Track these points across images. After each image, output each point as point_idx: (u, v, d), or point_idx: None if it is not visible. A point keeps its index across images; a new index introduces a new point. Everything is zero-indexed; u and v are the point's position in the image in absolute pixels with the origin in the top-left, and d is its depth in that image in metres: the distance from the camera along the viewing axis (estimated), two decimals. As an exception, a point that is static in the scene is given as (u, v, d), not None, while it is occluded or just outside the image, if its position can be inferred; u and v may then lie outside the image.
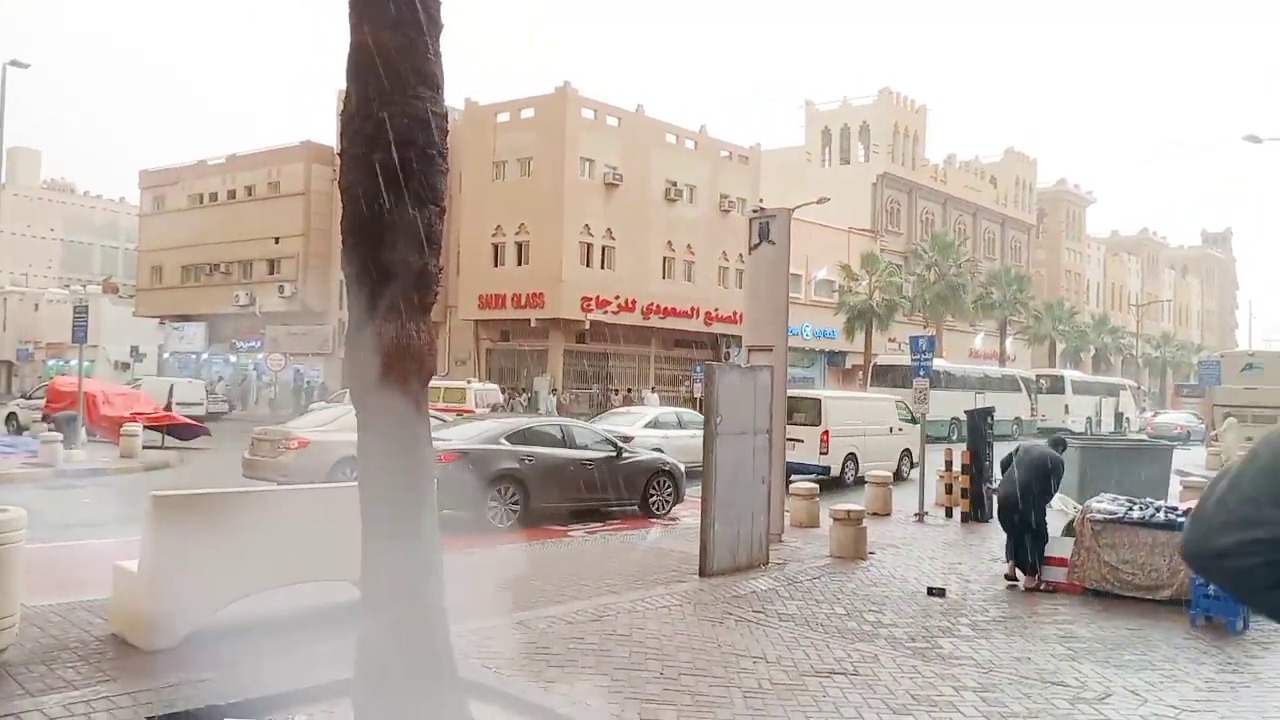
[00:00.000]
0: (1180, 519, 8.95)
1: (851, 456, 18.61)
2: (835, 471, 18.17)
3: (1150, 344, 74.07)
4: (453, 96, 39.61)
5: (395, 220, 4.63)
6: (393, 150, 4.61)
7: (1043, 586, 9.37)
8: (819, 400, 19.18)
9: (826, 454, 18.08)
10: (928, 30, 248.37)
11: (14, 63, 24.87)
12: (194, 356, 49.53)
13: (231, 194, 47.16)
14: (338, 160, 4.99)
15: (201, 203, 48.42)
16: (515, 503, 12.30)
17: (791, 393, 22.95)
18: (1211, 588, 8.00)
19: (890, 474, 15.31)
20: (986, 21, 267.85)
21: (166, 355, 50.85)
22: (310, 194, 43.65)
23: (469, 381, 28.41)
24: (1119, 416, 45.64)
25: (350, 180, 4.80)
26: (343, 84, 5.16)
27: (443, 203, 4.90)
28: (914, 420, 18.60)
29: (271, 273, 44.95)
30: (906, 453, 19.72)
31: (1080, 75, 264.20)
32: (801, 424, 18.86)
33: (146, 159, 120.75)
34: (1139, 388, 58.59)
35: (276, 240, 44.22)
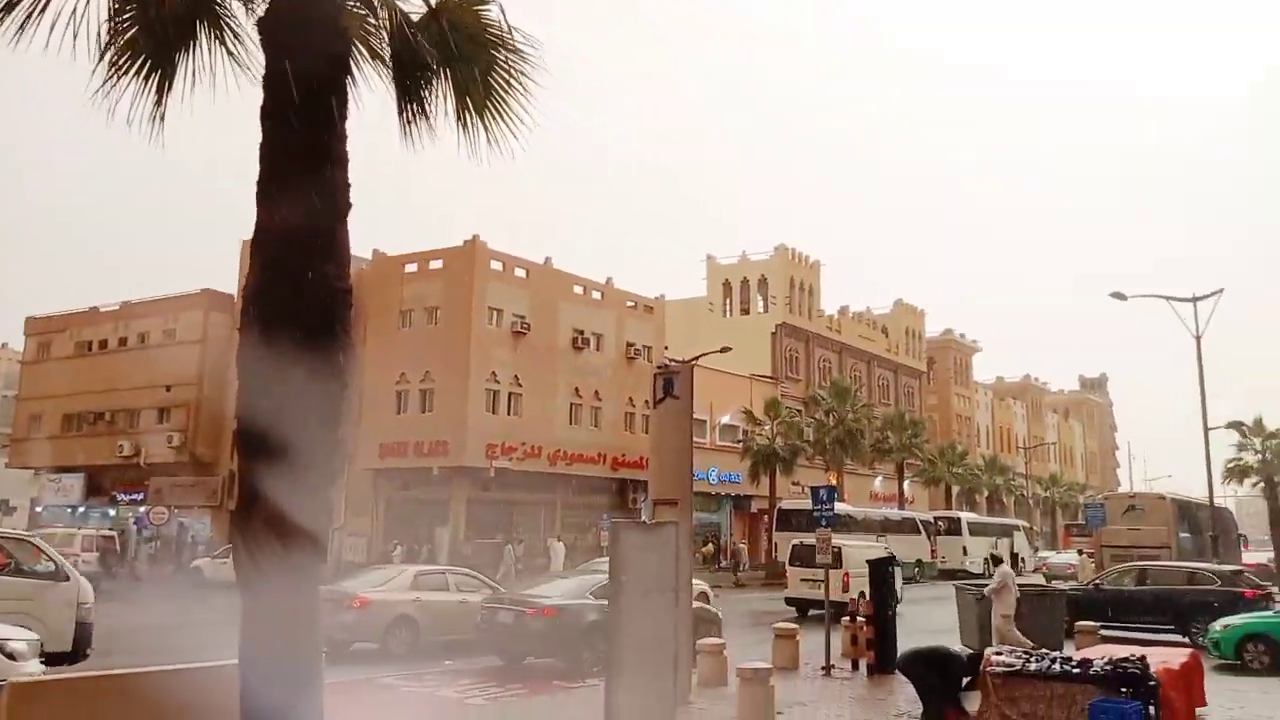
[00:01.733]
0: (1075, 670, 9.15)
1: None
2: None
3: (1040, 485, 76.96)
4: (362, 247, 38.80)
5: (296, 396, 4.62)
6: (296, 327, 4.65)
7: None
8: (840, 549, 21.78)
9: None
10: (819, 189, 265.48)
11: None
12: (69, 510, 46.56)
13: (123, 341, 45.69)
14: (238, 335, 4.98)
15: (90, 350, 46.71)
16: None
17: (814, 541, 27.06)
18: (1109, 740, 8.12)
19: (795, 627, 15.25)
20: (870, 180, 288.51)
21: (39, 509, 47.68)
22: (207, 342, 42.66)
23: (79, 528, 33.65)
24: (1015, 557, 46.76)
25: (250, 357, 4.79)
26: (247, 234, 5.22)
27: (345, 378, 4.92)
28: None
29: (160, 422, 43.20)
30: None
31: (959, 234, 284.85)
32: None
33: (35, 305, 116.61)
34: (1031, 528, 60.41)
35: (168, 389, 42.73)
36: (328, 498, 4.81)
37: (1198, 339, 27.78)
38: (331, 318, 4.75)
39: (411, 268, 38.03)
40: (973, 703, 9.74)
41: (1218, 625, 16.23)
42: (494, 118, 6.36)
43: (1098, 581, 21.42)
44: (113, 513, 45.12)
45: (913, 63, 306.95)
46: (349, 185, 5.08)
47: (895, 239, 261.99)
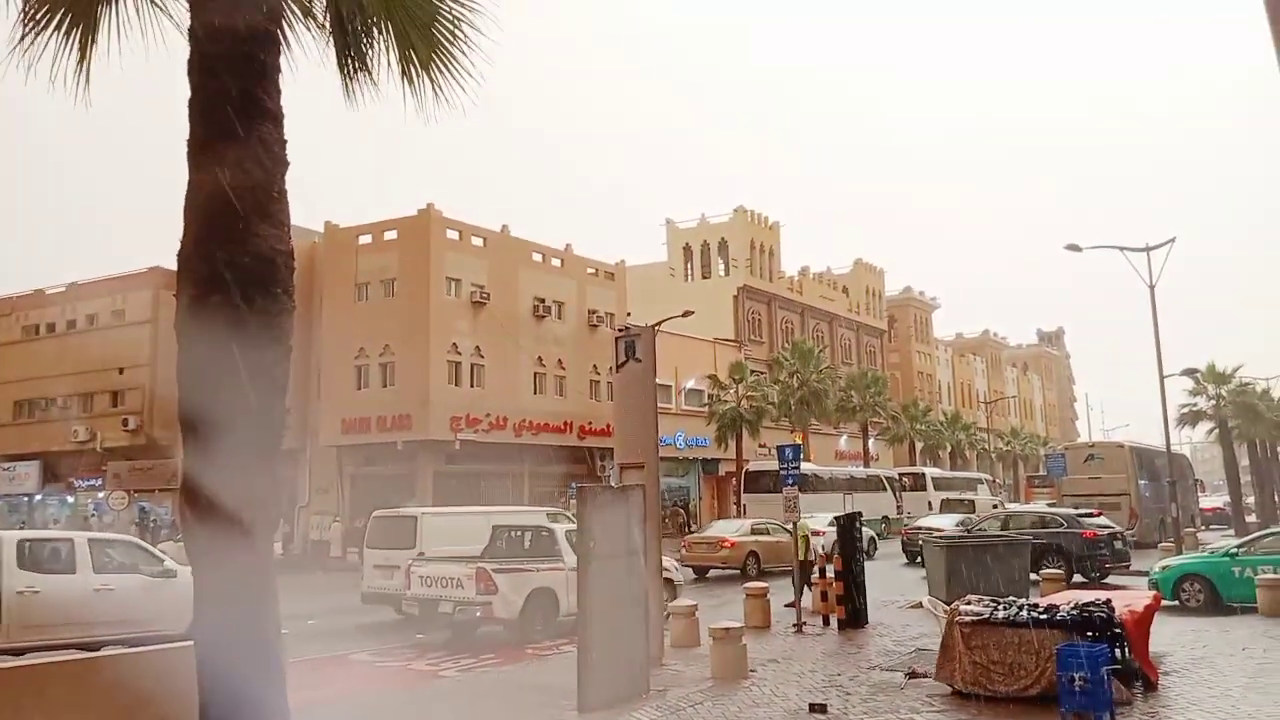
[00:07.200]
0: (1043, 616, 9.24)
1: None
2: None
3: (1001, 438, 78.23)
4: (313, 219, 37.81)
5: (236, 364, 4.40)
6: (233, 292, 4.42)
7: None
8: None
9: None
10: (774, 148, 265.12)
11: None
12: (25, 499, 45.51)
13: (71, 324, 44.45)
14: (175, 300, 4.74)
15: (38, 334, 45.42)
16: None
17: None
18: (1078, 683, 8.20)
19: (766, 586, 15.29)
20: (823, 140, 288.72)
21: (-6, 499, 46.59)
22: (158, 322, 41.61)
23: None
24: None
25: (186, 323, 4.56)
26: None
27: (289, 343, 4.70)
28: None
29: (115, 405, 42.22)
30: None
31: (915, 191, 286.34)
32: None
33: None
34: (994, 480, 61.44)
35: (121, 371, 41.74)
36: (274, 465, 4.61)
37: (1151, 288, 28.13)
38: (270, 280, 4.52)
39: (365, 239, 37.29)
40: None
41: (1157, 566, 16.94)
42: (440, 72, 6.10)
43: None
44: (71, 500, 44.21)
45: (865, 16, 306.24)
46: (285, 142, 4.82)
47: (852, 198, 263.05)
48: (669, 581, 15.98)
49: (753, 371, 45.71)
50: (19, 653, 10.89)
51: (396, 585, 15.69)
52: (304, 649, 12.06)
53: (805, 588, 15.78)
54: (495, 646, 13.36)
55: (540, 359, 39.54)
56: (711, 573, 23.99)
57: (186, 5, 5.01)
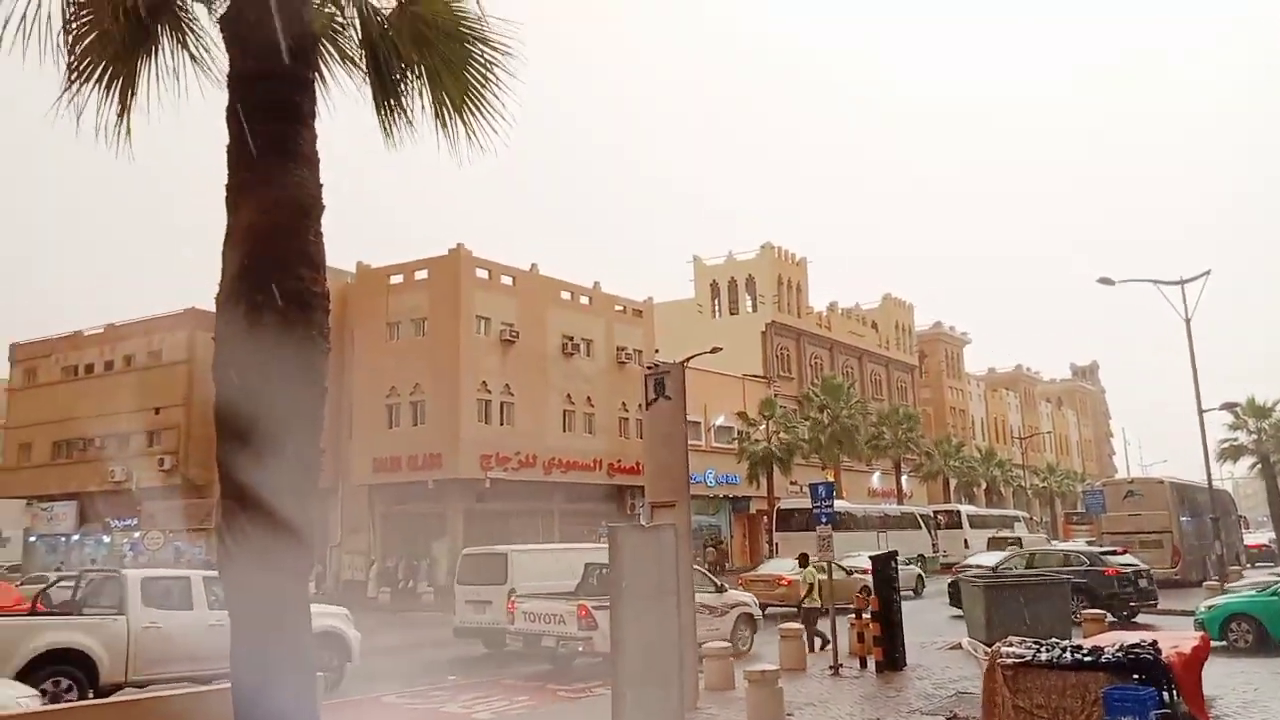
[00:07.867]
0: (1087, 658, 8.98)
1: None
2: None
3: (1037, 475, 76.96)
4: (345, 259, 38.21)
5: (274, 404, 4.42)
6: (270, 334, 4.45)
7: None
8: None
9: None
10: (801, 184, 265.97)
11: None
12: (63, 539, 46.06)
13: (109, 365, 45.25)
14: (212, 341, 4.78)
15: (76, 375, 46.25)
16: None
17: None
18: (1125, 728, 7.95)
19: (801, 628, 15.03)
20: (852, 174, 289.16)
21: (33, 538, 47.16)
22: (194, 362, 42.24)
23: None
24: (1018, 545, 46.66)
25: (225, 363, 4.60)
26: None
27: (324, 384, 4.72)
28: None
29: (151, 445, 42.75)
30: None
31: (940, 226, 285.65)
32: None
33: (18, 331, 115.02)
34: (1030, 518, 60.35)
35: (157, 411, 42.30)
36: (311, 500, 4.62)
37: (1187, 322, 27.66)
38: (307, 322, 4.55)
39: (397, 279, 37.72)
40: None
41: (1203, 606, 16.48)
42: (473, 114, 6.17)
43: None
44: (107, 540, 44.64)
45: (891, 55, 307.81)
46: (320, 185, 4.88)
47: (882, 232, 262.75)
48: (749, 617, 16.62)
49: (782, 408, 45.42)
50: (142, 686, 11.16)
51: (489, 620, 16.27)
52: (338, 690, 12.00)
53: (815, 633, 15.74)
54: (528, 689, 13.22)
55: (569, 396, 39.60)
56: (769, 610, 23.74)
57: (225, 55, 5.12)
